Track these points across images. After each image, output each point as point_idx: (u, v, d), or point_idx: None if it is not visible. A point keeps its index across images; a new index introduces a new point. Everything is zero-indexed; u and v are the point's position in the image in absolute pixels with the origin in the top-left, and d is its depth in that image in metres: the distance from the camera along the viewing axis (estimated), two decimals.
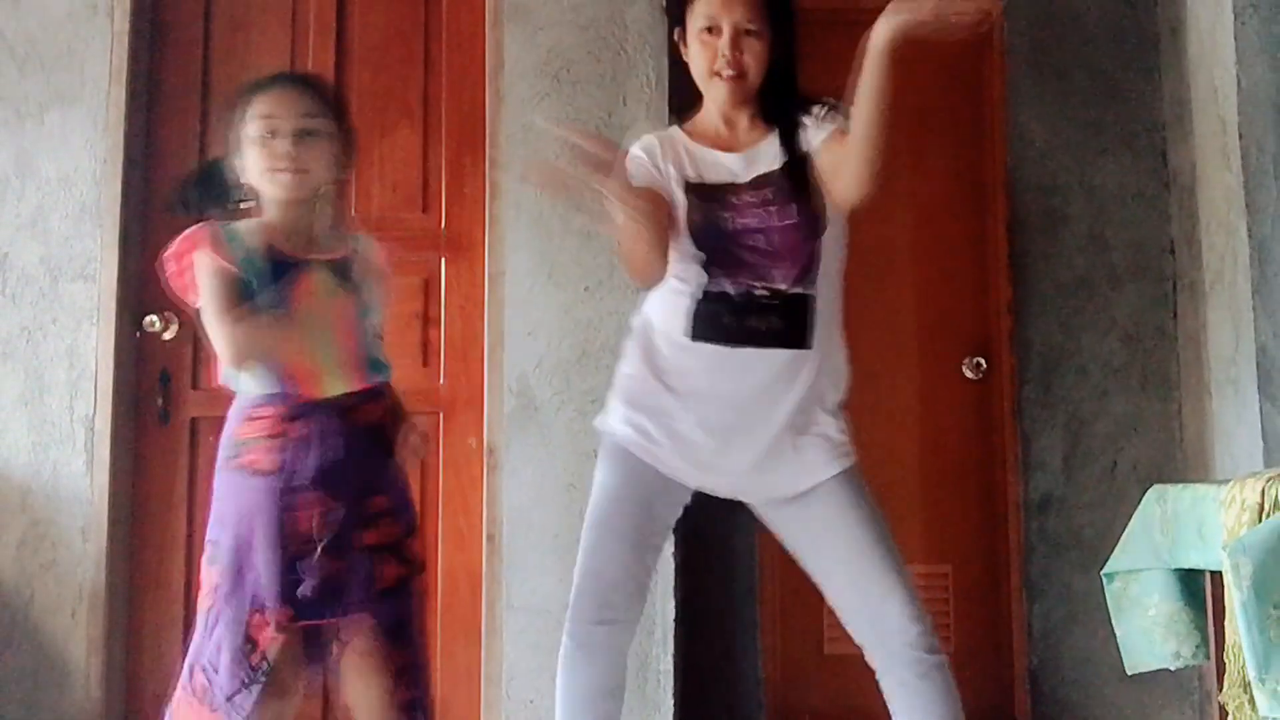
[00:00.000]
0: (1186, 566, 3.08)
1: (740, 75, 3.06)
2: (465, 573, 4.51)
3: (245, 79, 4.63)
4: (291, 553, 2.87)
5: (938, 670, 2.92)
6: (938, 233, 4.98)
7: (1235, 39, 4.18)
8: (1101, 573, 3.31)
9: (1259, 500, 2.66)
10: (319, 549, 2.88)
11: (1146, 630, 3.23)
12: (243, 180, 3.06)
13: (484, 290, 4.59)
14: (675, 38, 3.21)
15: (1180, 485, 3.13)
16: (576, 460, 4.41)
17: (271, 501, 2.89)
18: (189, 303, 3.01)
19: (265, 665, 2.85)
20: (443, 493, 4.57)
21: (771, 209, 3.00)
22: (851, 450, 3.08)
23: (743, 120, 3.14)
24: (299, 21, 4.80)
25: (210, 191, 3.10)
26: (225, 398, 3.06)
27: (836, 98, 3.05)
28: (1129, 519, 3.25)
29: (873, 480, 3.11)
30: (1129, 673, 3.31)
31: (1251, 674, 2.46)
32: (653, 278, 3.03)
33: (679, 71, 4.38)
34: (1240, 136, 4.17)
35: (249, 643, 2.86)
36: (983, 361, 4.94)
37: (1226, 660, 2.81)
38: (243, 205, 3.09)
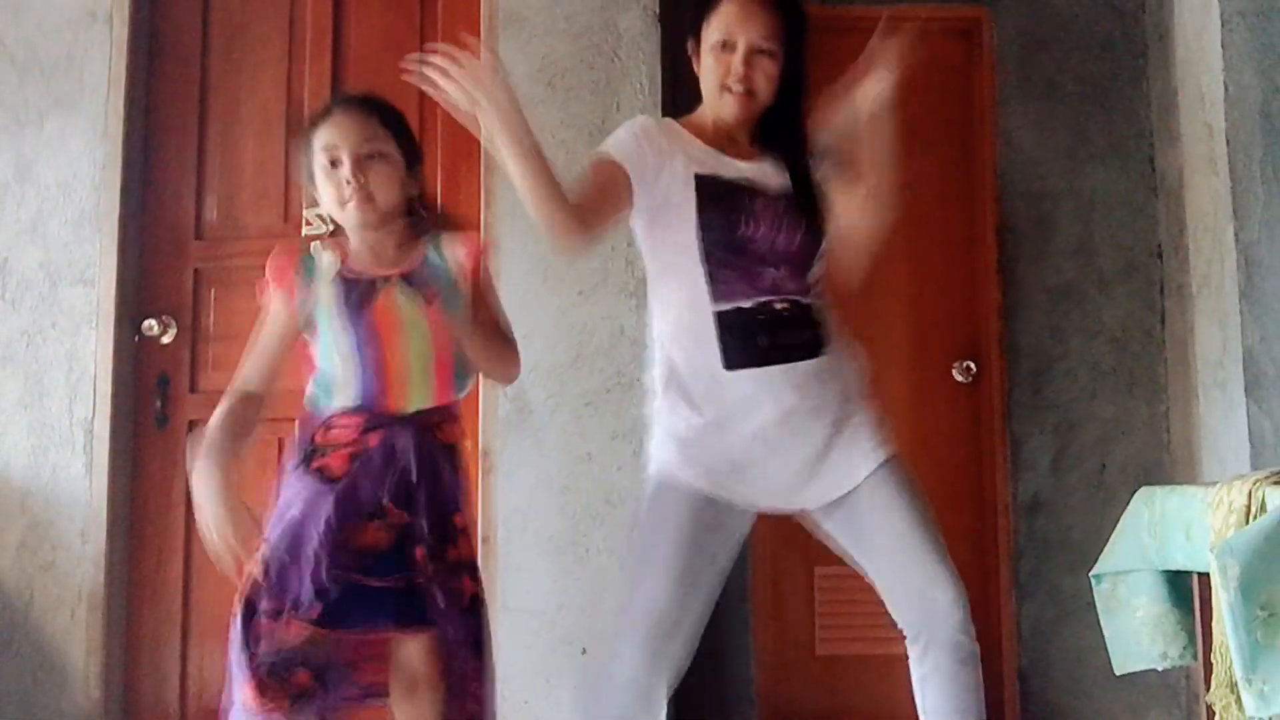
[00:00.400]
0: (1174, 568, 3.08)
1: (750, 93, 3.02)
2: None
3: (243, 86, 4.78)
4: (343, 560, 2.86)
5: (974, 659, 2.93)
6: (928, 238, 5.00)
7: (1222, 46, 4.22)
8: (1090, 574, 3.30)
9: (1246, 502, 2.66)
10: (374, 560, 2.89)
11: (1135, 631, 3.22)
12: (322, 210, 3.10)
13: None
14: (689, 51, 3.15)
15: (1168, 487, 3.13)
16: (571, 463, 4.43)
17: (334, 507, 2.89)
18: None
19: (275, 656, 2.84)
20: None
21: (783, 222, 2.98)
22: (891, 437, 3.05)
23: (742, 138, 3.10)
24: (296, 29, 4.82)
25: None
26: None
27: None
28: (1117, 521, 3.25)
29: None
30: (1117, 673, 3.31)
31: (1238, 674, 2.44)
32: (568, 239, 2.91)
33: (672, 78, 4.45)
34: (1227, 142, 4.20)
35: (263, 639, 2.84)
36: (973, 365, 4.98)
37: (1214, 661, 2.81)
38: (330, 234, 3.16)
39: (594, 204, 2.92)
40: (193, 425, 4.59)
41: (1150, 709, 4.71)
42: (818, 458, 2.98)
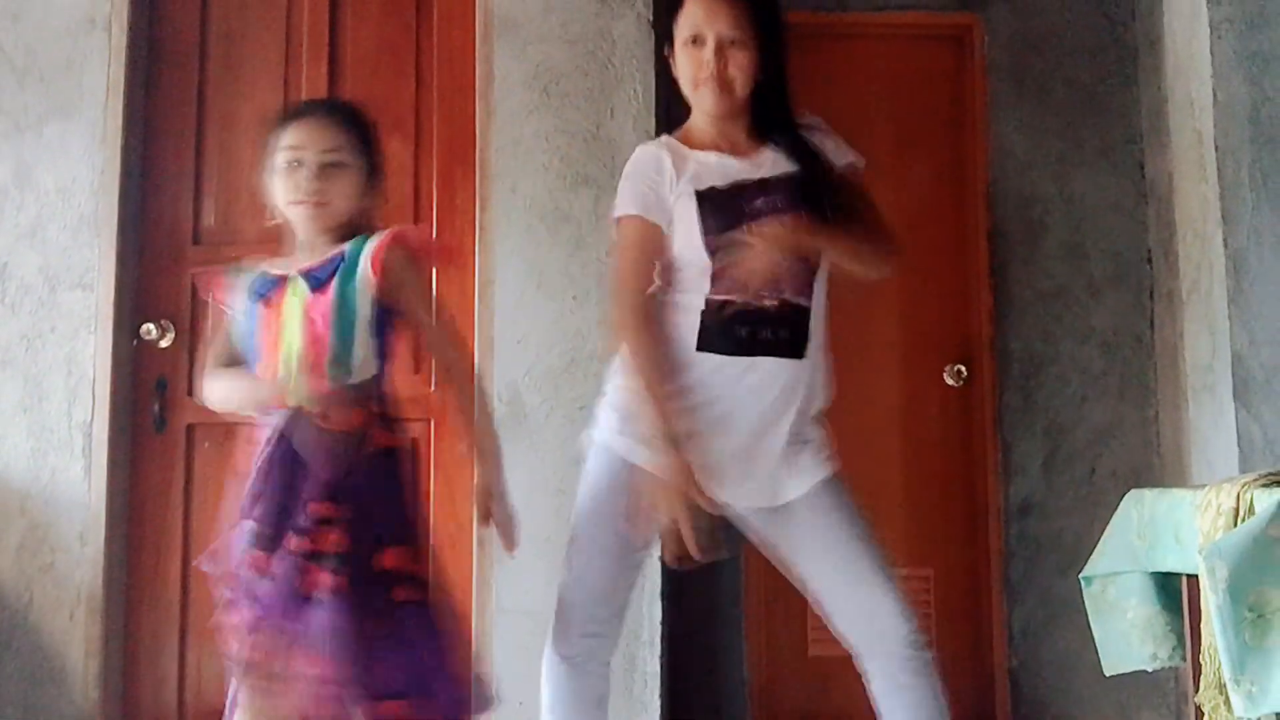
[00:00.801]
0: (1164, 570, 3.09)
1: (725, 84, 3.03)
2: (456, 577, 4.54)
3: (241, 92, 4.79)
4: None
5: (928, 668, 2.94)
6: (920, 242, 4.99)
7: (1211, 53, 4.23)
8: (1080, 576, 3.32)
9: (1234, 505, 2.68)
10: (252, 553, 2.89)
11: (1124, 632, 3.24)
12: (272, 207, 3.09)
13: (474, 299, 4.60)
14: (665, 54, 3.18)
15: (1157, 490, 3.15)
16: (565, 466, 4.43)
17: (237, 508, 2.93)
18: None
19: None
20: (434, 498, 4.58)
21: (787, 212, 2.97)
22: (835, 455, 3.08)
23: (738, 133, 3.11)
24: (293, 35, 4.84)
25: None
26: None
27: (825, 109, 3.11)
28: (1107, 523, 3.26)
29: (856, 485, 3.12)
30: (1107, 674, 3.33)
31: (1227, 675, 2.46)
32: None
33: (666, 85, 4.45)
34: (1216, 148, 4.22)
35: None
36: (964, 369, 5.01)
37: (1202, 662, 2.83)
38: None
39: (648, 274, 3.07)
40: (190, 428, 4.63)
41: (1139, 710, 4.74)
42: (761, 458, 3.00)
